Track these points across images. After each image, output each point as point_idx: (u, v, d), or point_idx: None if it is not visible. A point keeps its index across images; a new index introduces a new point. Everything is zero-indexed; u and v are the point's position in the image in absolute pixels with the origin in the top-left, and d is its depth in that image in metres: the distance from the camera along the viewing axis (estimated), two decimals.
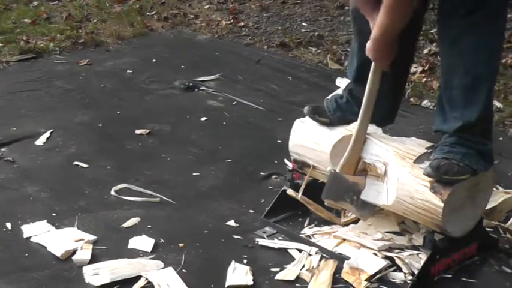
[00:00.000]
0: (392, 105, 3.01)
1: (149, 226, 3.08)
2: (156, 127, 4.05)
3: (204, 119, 4.19)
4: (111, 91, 4.61)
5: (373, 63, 2.75)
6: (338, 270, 2.78)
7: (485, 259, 2.90)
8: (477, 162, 2.68)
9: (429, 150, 2.76)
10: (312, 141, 2.98)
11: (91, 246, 2.90)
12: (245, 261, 2.85)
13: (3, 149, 3.74)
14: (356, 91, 2.94)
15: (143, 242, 2.95)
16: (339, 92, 3.10)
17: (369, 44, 2.71)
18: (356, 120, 2.84)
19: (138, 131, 3.98)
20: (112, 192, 3.34)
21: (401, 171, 2.70)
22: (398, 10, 2.58)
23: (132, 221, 3.12)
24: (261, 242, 2.98)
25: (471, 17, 2.58)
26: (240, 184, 3.47)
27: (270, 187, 3.43)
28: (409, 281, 2.71)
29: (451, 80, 2.69)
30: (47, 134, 3.92)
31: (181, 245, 2.94)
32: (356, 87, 2.95)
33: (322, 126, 2.99)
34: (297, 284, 2.74)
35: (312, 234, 3.01)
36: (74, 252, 2.87)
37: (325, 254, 2.87)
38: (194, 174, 3.56)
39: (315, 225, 3.07)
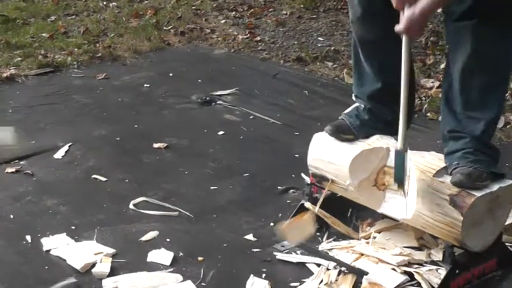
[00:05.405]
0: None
1: (168, 240, 3.09)
2: (174, 141, 4.06)
3: (221, 133, 4.20)
4: (128, 105, 4.63)
5: (403, 42, 2.59)
6: (357, 285, 2.77)
7: (505, 274, 2.88)
8: (499, 168, 2.72)
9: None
10: (331, 155, 2.99)
11: (110, 259, 2.91)
12: (264, 275, 2.85)
13: (22, 162, 3.77)
14: (377, 109, 2.96)
15: (162, 256, 2.96)
16: (356, 106, 3.09)
17: (409, 19, 2.49)
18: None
19: (155, 145, 4.00)
20: (131, 206, 3.35)
21: (420, 185, 2.70)
22: None
23: (151, 235, 3.12)
24: (280, 256, 2.98)
25: (488, 21, 2.60)
26: (257, 198, 3.48)
27: (288, 201, 3.43)
28: None
29: (468, 82, 2.71)
30: (66, 148, 3.94)
31: (200, 258, 2.95)
32: (375, 107, 2.96)
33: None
34: None
35: (330, 249, 3.00)
36: (93, 265, 2.88)
37: (344, 268, 2.86)
38: (212, 188, 3.57)
39: (333, 240, 3.07)
